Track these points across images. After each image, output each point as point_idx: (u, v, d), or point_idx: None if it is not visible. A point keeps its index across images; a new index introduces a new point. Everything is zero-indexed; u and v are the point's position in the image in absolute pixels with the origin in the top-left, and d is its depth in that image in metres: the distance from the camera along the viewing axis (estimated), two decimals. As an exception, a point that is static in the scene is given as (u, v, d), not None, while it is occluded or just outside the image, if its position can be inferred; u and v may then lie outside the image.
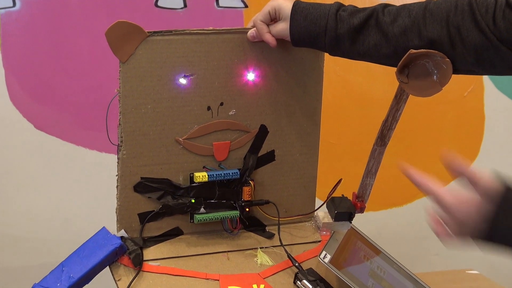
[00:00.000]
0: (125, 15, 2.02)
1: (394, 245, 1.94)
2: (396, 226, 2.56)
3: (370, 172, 1.55)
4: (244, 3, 2.24)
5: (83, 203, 2.31)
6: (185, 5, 2.18)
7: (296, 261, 1.42)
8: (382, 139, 1.50)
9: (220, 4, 2.22)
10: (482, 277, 1.80)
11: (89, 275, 1.31)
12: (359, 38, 1.26)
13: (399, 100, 1.45)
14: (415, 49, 1.21)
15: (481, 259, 2.38)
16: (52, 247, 2.29)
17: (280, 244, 1.47)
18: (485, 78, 2.51)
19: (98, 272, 1.34)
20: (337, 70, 2.14)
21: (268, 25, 1.35)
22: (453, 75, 1.23)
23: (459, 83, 2.46)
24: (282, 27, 1.33)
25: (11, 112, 2.16)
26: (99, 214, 1.87)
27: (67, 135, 2.23)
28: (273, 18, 1.35)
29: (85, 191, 2.28)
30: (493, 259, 2.01)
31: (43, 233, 2.31)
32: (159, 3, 2.17)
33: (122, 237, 1.40)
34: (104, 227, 1.39)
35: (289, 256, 1.43)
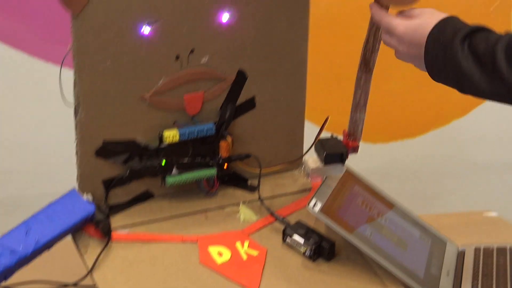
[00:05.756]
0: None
1: (404, 182, 2.01)
2: (407, 161, 2.51)
3: (359, 105, 1.54)
4: None
5: (51, 129, 2.27)
6: None
7: (279, 216, 1.45)
8: (366, 64, 1.48)
9: None
10: (501, 220, 1.80)
11: (54, 241, 1.34)
12: None
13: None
14: None
15: (503, 200, 2.42)
16: (13, 178, 2.27)
17: (258, 198, 1.51)
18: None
19: (61, 239, 1.36)
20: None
21: None
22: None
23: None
24: None
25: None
26: (69, 143, 1.96)
27: (33, 48, 2.19)
28: None
29: (53, 114, 2.18)
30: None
31: (2, 163, 2.31)
32: None
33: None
34: (74, 189, 1.42)
35: (270, 211, 1.47)
